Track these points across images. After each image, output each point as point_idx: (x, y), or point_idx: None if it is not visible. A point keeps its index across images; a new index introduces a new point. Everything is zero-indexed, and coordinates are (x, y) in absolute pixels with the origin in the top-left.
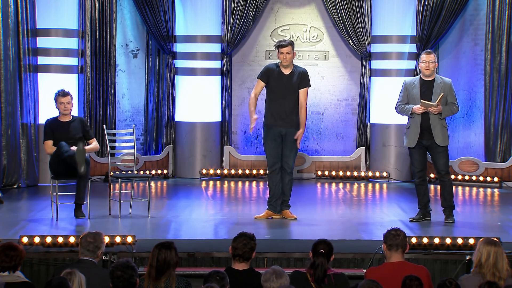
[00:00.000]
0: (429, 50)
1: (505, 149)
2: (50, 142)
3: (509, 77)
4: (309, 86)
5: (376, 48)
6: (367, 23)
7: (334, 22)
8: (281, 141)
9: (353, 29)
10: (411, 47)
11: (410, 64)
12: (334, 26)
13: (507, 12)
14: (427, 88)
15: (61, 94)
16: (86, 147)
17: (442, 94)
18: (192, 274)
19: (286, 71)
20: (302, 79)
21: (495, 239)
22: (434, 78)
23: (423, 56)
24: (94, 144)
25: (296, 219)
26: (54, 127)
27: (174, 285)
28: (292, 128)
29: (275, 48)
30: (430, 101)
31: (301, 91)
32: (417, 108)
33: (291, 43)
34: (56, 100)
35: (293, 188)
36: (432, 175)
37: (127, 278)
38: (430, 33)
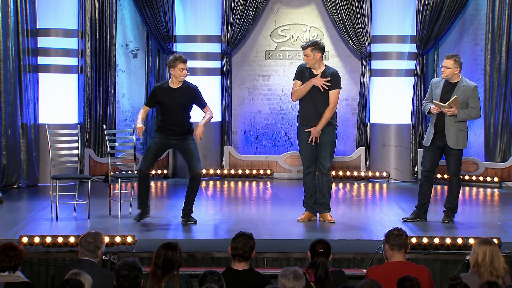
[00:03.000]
0: (449, 54)
1: (505, 149)
2: (146, 109)
3: (509, 77)
4: (339, 88)
5: (376, 48)
6: (367, 23)
7: (334, 22)
8: (316, 142)
9: (353, 29)
10: (411, 47)
11: (410, 64)
12: (334, 26)
13: (507, 12)
14: (449, 90)
15: (182, 60)
16: (202, 121)
17: (455, 96)
18: (192, 274)
19: (316, 71)
20: (333, 80)
21: (495, 239)
22: (458, 81)
23: (444, 60)
24: (208, 113)
25: (334, 222)
26: (161, 92)
27: (177, 285)
28: (325, 127)
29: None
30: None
31: (330, 93)
32: (433, 108)
33: (311, 45)
34: (173, 65)
35: (292, 188)
36: (438, 175)
37: (132, 278)
38: (430, 33)
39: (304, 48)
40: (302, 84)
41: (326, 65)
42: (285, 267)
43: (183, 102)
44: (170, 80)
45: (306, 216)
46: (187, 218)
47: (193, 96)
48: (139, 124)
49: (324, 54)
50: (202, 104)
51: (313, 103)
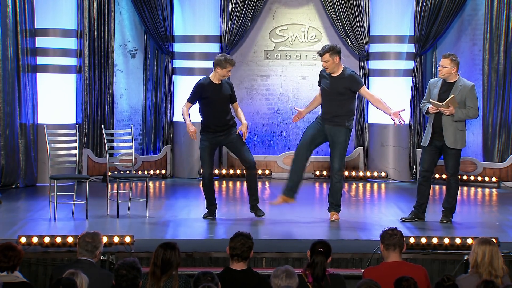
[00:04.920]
0: (446, 54)
1: (503, 149)
2: (189, 105)
3: (507, 77)
4: (362, 85)
5: (374, 48)
6: (365, 23)
7: (332, 22)
8: (324, 139)
9: (351, 29)
10: (409, 47)
11: (408, 64)
12: (332, 26)
13: (505, 12)
14: (446, 90)
15: (232, 63)
16: (244, 119)
17: (452, 95)
18: (191, 274)
19: (334, 74)
20: (352, 82)
21: (493, 239)
22: (456, 81)
23: (440, 60)
24: (240, 110)
25: (334, 221)
26: (206, 89)
27: (177, 286)
28: (337, 127)
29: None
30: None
31: (361, 93)
32: (430, 107)
33: (328, 51)
34: (223, 65)
35: None
36: (437, 175)
37: (131, 278)
38: (428, 33)
39: (321, 54)
40: (321, 89)
41: (344, 66)
42: (294, 270)
43: (226, 96)
44: (212, 75)
45: (280, 199)
46: (255, 210)
47: (230, 91)
48: (191, 127)
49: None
50: (234, 99)
51: (329, 105)
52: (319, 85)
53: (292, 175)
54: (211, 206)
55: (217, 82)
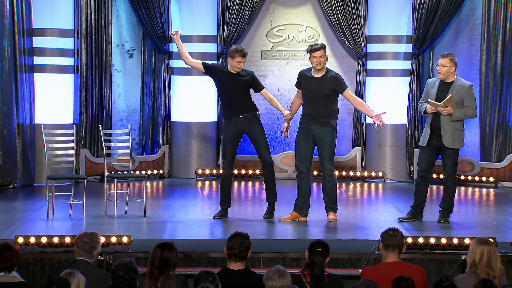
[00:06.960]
0: (445, 53)
1: (501, 149)
2: (198, 61)
3: (504, 77)
4: (346, 87)
5: (372, 48)
6: (362, 23)
7: (329, 22)
8: (313, 142)
9: (349, 29)
10: (407, 47)
11: (406, 64)
12: (330, 26)
13: (502, 12)
14: (444, 89)
15: (241, 54)
16: (280, 105)
17: (450, 95)
18: (188, 274)
19: (317, 75)
20: (336, 84)
21: (490, 239)
22: (453, 80)
23: (439, 59)
24: (271, 97)
25: (332, 221)
26: (219, 69)
27: (175, 286)
28: (324, 127)
29: (307, 52)
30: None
31: (345, 95)
32: (428, 107)
33: (323, 47)
34: (232, 55)
35: (288, 188)
36: (434, 175)
37: (128, 279)
38: (426, 33)
39: (318, 49)
40: (304, 91)
41: (326, 67)
42: (285, 268)
43: (239, 85)
44: (229, 65)
45: (291, 216)
46: (268, 211)
47: (249, 82)
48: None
49: None
50: (259, 88)
51: (314, 106)
52: (298, 87)
53: (299, 191)
54: (223, 204)
55: (232, 71)
